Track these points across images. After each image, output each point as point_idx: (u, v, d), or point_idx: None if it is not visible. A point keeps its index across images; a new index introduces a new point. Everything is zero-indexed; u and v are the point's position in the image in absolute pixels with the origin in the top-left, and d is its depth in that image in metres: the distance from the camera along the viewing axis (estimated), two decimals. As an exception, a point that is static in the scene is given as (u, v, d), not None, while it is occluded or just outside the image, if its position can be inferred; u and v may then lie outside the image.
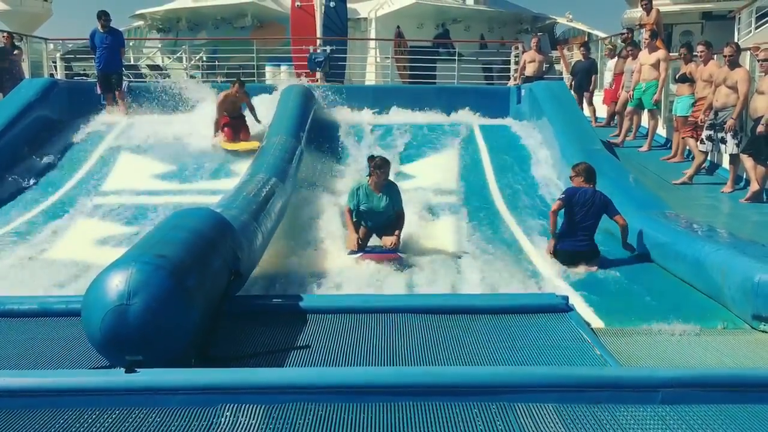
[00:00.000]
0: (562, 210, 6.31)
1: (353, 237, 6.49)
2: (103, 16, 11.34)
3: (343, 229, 7.09)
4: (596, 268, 6.08)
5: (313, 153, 9.95)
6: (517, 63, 14.13)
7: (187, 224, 4.56)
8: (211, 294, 4.23)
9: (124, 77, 12.01)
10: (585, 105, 13.15)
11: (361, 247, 6.48)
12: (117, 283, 3.58)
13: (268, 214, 6.42)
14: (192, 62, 18.12)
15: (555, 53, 18.17)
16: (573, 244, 6.21)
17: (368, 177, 6.61)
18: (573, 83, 13.18)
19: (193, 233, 4.41)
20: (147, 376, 3.32)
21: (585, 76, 12.90)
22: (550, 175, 9.22)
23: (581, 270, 6.07)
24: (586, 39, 21.13)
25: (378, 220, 6.59)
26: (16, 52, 13.01)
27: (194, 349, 3.92)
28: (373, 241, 6.66)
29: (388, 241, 6.46)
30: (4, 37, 12.66)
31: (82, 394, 3.26)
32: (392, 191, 6.60)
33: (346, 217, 6.75)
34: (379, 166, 6.50)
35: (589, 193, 6.27)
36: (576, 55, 17.55)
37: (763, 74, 7.94)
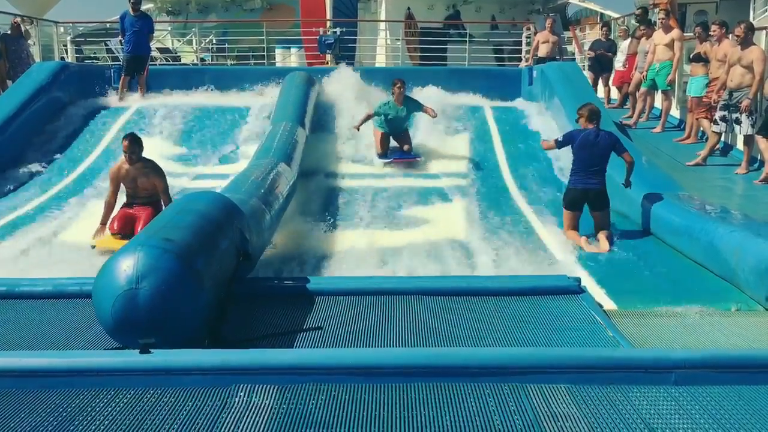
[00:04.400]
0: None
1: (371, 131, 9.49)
2: None
3: (354, 207, 7.60)
4: (608, 249, 6.07)
5: (320, 136, 9.95)
6: (528, 44, 14.01)
7: (193, 208, 4.58)
8: (220, 276, 4.25)
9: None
10: (601, 86, 13.03)
11: (385, 153, 9.32)
12: (125, 268, 3.61)
13: (275, 197, 6.44)
14: (202, 45, 18.08)
15: (567, 34, 17.98)
16: (584, 182, 6.33)
17: (392, 95, 9.26)
18: (591, 62, 13.05)
19: (200, 216, 4.43)
20: (161, 357, 3.35)
21: (604, 57, 12.74)
22: (562, 155, 9.17)
23: (593, 250, 6.06)
24: (598, 20, 20.88)
25: (399, 125, 9.36)
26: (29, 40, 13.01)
27: (207, 331, 3.95)
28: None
29: (405, 145, 9.37)
30: (14, 22, 12.62)
31: (97, 375, 3.29)
32: (409, 102, 9.35)
33: (366, 113, 9.48)
34: (395, 84, 9.23)
35: (593, 134, 6.35)
36: (590, 35, 17.39)
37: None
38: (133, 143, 6.43)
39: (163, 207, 6.28)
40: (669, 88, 10.56)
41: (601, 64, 12.81)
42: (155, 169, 6.57)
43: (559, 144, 6.66)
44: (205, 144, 9.91)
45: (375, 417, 3.00)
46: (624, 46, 12.44)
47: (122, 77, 11.50)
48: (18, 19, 12.69)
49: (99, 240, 6.28)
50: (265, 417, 2.99)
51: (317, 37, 14.41)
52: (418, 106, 9.35)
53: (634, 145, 8.42)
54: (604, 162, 6.38)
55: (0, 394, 3.16)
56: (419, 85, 11.80)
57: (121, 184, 6.56)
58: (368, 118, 9.31)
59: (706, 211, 6.00)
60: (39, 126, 10.08)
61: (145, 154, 6.59)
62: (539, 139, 9.80)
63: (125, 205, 6.59)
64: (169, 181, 7.03)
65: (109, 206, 6.52)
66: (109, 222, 6.44)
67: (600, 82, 13.02)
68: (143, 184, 6.51)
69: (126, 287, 3.57)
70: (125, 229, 6.29)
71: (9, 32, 12.44)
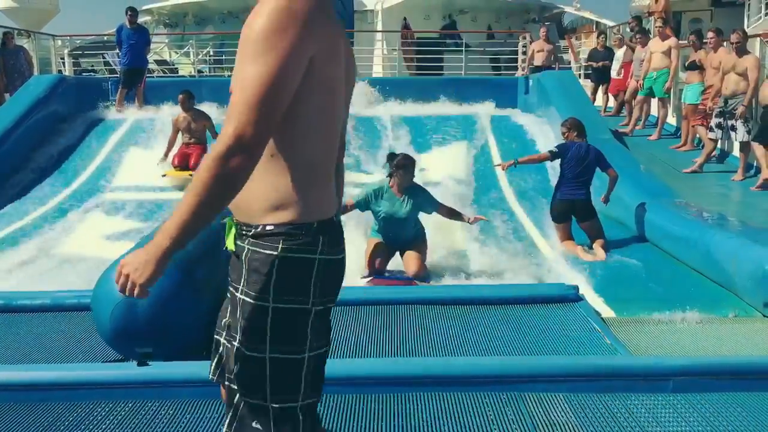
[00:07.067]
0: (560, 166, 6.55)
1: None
2: (131, 11, 11.34)
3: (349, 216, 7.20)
4: (605, 257, 6.08)
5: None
6: (524, 53, 14.07)
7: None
8: (220, 286, 4.24)
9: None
10: (600, 94, 13.08)
11: (379, 270, 5.67)
12: None
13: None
14: (199, 57, 18.13)
15: (563, 43, 18.07)
16: (571, 192, 6.38)
17: (389, 178, 5.68)
18: (591, 72, 13.11)
19: None
20: (159, 369, 3.35)
21: (604, 66, 12.78)
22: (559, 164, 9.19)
23: (589, 258, 6.07)
24: (594, 28, 20.98)
25: (400, 229, 5.69)
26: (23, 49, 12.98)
27: (205, 342, 3.94)
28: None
29: (411, 264, 5.59)
30: (7, 37, 12.59)
31: (96, 387, 3.29)
32: (416, 194, 5.68)
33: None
34: (400, 165, 5.58)
35: (584, 148, 6.46)
36: (585, 44, 17.46)
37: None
38: (187, 97, 9.05)
39: (213, 140, 8.53)
40: (666, 95, 10.60)
41: (601, 73, 12.87)
42: (203, 115, 9.22)
43: (554, 156, 6.60)
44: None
45: (372, 427, 3.00)
46: (619, 54, 12.49)
47: (120, 90, 11.51)
48: (8, 32, 12.64)
49: (167, 171, 8.87)
50: (264, 428, 2.98)
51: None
52: (429, 203, 5.76)
53: (630, 153, 8.45)
54: (590, 174, 6.44)
55: (-2, 408, 3.16)
56: (417, 96, 11.86)
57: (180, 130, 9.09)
58: (345, 210, 5.39)
59: (703, 218, 6.01)
60: (37, 139, 10.08)
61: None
62: (536, 147, 9.87)
63: (183, 145, 9.03)
64: (168, 194, 8.17)
65: (170, 143, 9.14)
66: (170, 159, 8.99)
67: (600, 90, 13.09)
68: (196, 127, 9.07)
69: (125, 296, 3.56)
70: (182, 164, 8.82)
71: (5, 44, 12.41)
